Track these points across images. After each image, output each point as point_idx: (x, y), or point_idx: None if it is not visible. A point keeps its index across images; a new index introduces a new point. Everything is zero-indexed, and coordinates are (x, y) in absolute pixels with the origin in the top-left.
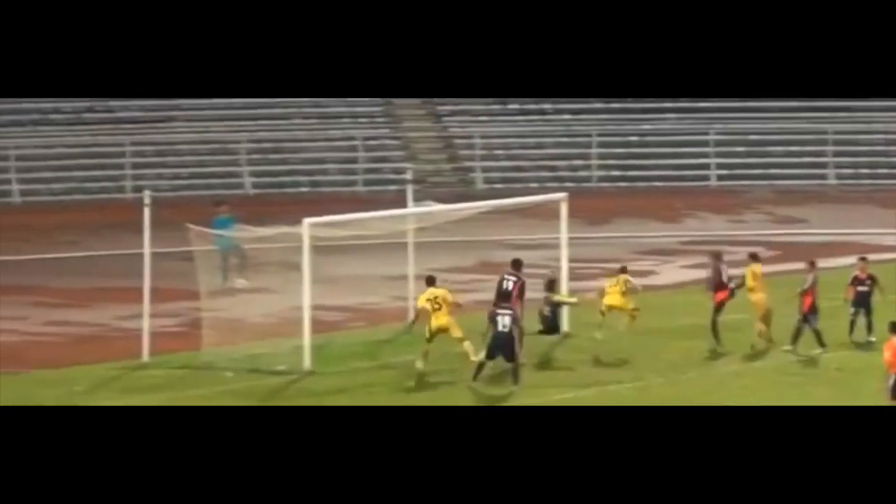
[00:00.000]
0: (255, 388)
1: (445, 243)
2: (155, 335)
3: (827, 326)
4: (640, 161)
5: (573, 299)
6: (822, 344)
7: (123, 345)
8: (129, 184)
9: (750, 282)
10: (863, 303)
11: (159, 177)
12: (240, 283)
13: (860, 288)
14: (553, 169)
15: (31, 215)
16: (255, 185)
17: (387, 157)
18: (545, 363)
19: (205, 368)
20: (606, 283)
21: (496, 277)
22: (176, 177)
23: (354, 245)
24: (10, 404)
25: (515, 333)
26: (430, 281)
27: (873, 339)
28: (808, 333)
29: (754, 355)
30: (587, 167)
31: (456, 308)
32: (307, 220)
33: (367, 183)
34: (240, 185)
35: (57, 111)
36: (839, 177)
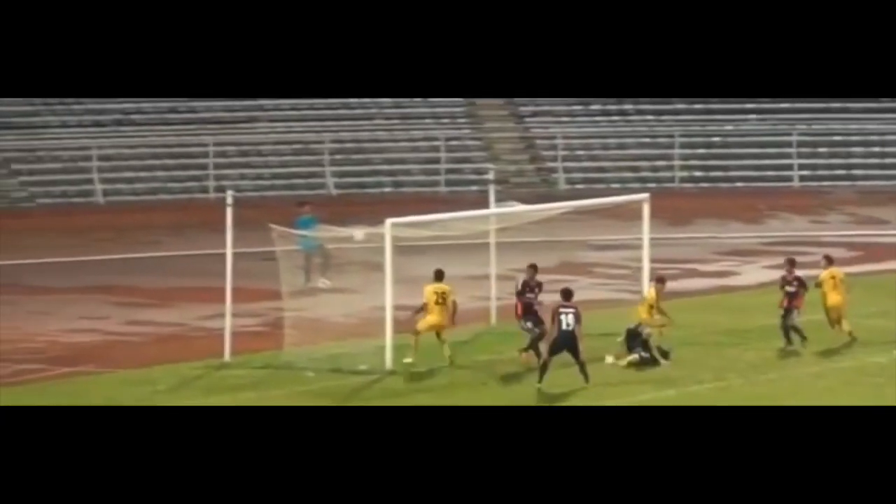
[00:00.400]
0: (336, 388)
1: (527, 244)
2: (237, 335)
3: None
4: (723, 161)
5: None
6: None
7: (205, 344)
8: (211, 184)
9: (828, 285)
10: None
11: (242, 177)
12: (322, 283)
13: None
14: (635, 169)
15: (113, 215)
16: (337, 186)
17: (469, 158)
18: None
19: (286, 368)
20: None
21: (577, 279)
22: (258, 177)
23: (436, 245)
24: (93, 404)
25: (578, 332)
26: (439, 275)
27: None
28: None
29: (834, 355)
30: (669, 168)
31: (454, 307)
32: (389, 221)
33: (449, 183)
34: (322, 186)
35: (139, 111)
36: None
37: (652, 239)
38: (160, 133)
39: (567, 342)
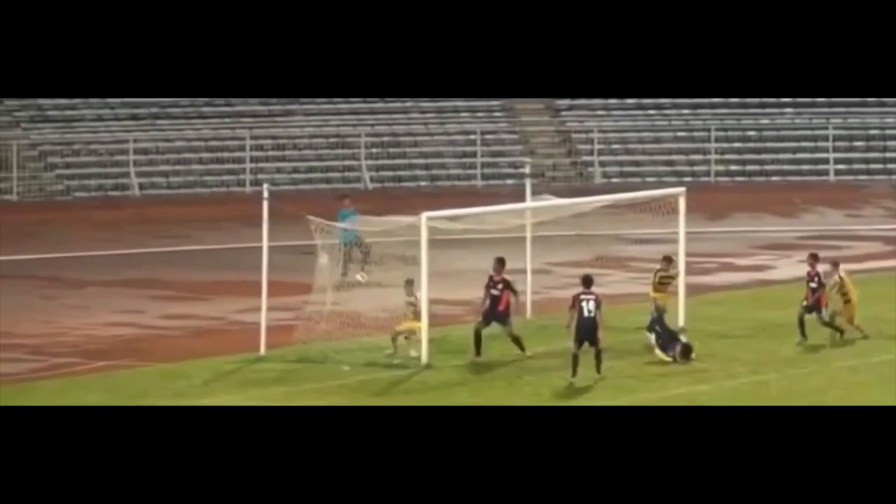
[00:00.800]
0: (371, 382)
1: (563, 237)
2: (273, 328)
3: None
4: (758, 155)
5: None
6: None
7: (241, 338)
8: (248, 177)
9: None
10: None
11: (278, 170)
12: (360, 276)
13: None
14: (671, 163)
15: (149, 208)
16: (373, 179)
17: (505, 152)
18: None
19: (321, 362)
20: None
21: (612, 273)
22: (295, 171)
23: (472, 239)
24: (128, 397)
25: (599, 319)
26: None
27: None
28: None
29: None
30: (705, 162)
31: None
32: (425, 214)
33: (485, 177)
34: (358, 179)
35: (175, 105)
36: None
37: (688, 233)
38: (196, 126)
39: (588, 329)
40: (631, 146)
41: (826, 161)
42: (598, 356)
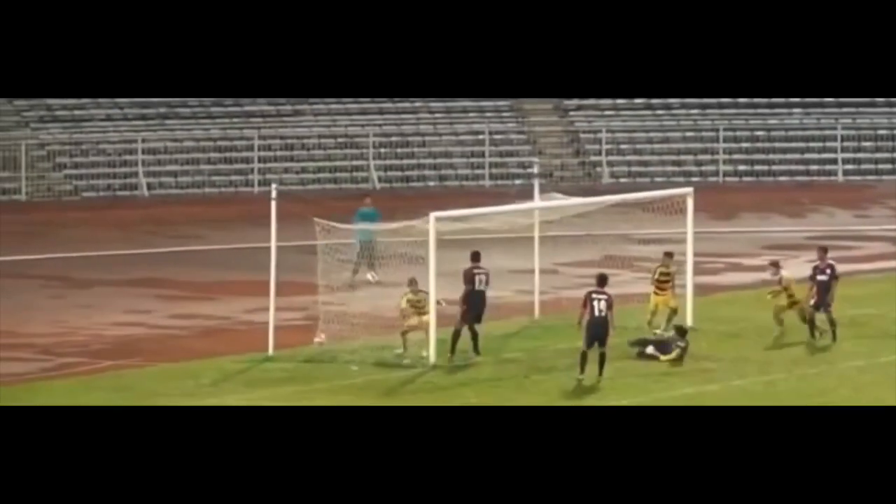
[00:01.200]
0: (379, 382)
1: (571, 237)
2: (281, 328)
3: None
4: (767, 156)
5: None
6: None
7: (249, 338)
8: (256, 177)
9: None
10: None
11: (286, 171)
12: (370, 276)
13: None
14: (679, 163)
15: (158, 208)
16: (381, 180)
17: (513, 152)
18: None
19: (329, 362)
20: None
21: (620, 273)
22: (303, 170)
23: (480, 239)
24: (137, 397)
25: (610, 319)
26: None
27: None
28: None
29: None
30: (713, 162)
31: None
32: (433, 214)
33: (494, 177)
34: (366, 180)
35: (184, 105)
36: None
37: (696, 233)
38: (205, 126)
39: (598, 329)
40: (639, 146)
41: (834, 161)
42: (601, 359)
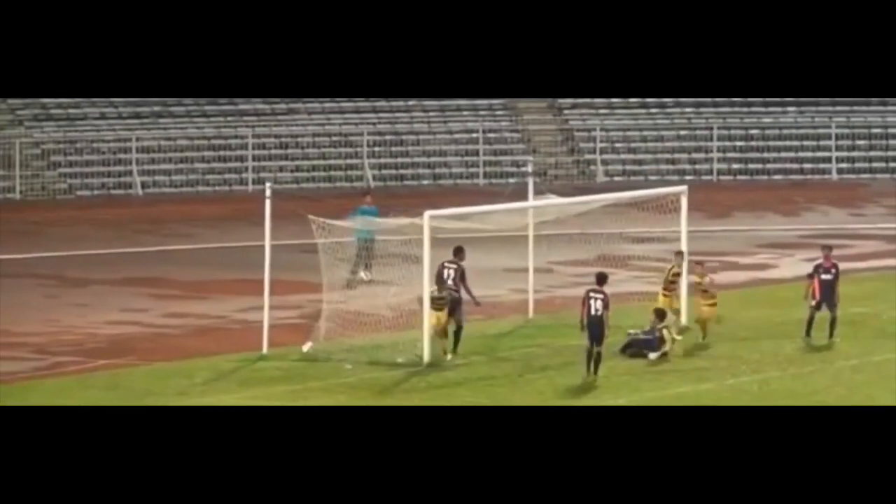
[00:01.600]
0: (373, 381)
1: (565, 236)
2: (275, 327)
3: None
4: (761, 154)
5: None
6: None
7: (243, 337)
8: (250, 176)
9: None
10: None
11: (280, 169)
12: (363, 275)
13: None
14: (673, 162)
15: (152, 207)
16: (376, 178)
17: (507, 150)
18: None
19: (324, 361)
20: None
21: (615, 272)
22: (297, 169)
23: (474, 238)
24: (131, 396)
25: (605, 318)
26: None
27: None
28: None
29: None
30: (708, 160)
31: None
32: (428, 213)
33: (488, 176)
34: (361, 178)
35: (178, 103)
36: None
37: (690, 231)
38: (199, 125)
39: (592, 327)
40: (633, 145)
41: (829, 160)
42: (597, 357)
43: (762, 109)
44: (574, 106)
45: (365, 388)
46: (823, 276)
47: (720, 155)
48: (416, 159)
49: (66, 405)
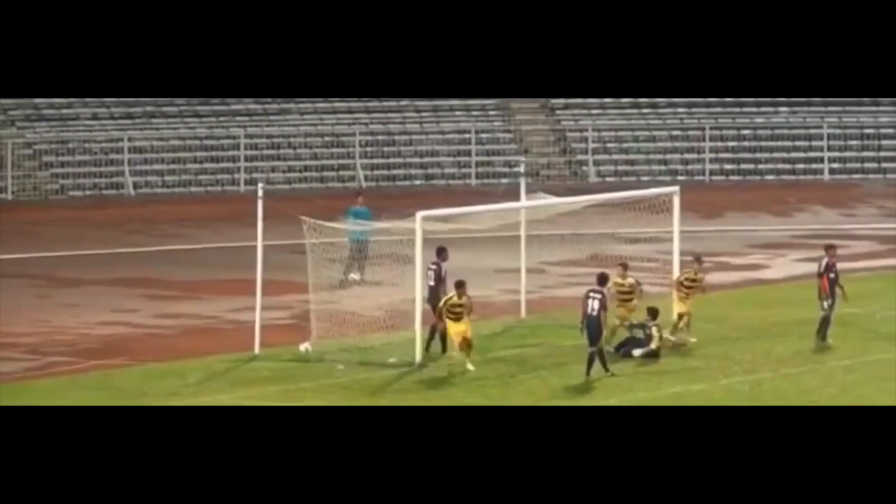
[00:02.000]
0: (365, 381)
1: (557, 236)
2: (267, 328)
3: None
4: (753, 154)
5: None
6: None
7: (235, 337)
8: (242, 176)
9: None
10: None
11: (273, 169)
12: (353, 276)
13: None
14: (665, 162)
15: (144, 207)
16: (368, 178)
17: (500, 151)
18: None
19: (316, 361)
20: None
21: (607, 272)
22: (289, 169)
23: (467, 238)
24: (123, 396)
25: (603, 318)
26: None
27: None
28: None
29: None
30: (700, 161)
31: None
32: (420, 213)
33: (480, 176)
34: (353, 178)
35: (171, 103)
36: None
37: (682, 232)
38: (191, 125)
39: (590, 328)
40: (625, 145)
41: (821, 160)
42: (590, 357)
43: (754, 110)
44: (566, 106)
45: (357, 389)
46: (831, 275)
47: (712, 155)
48: (409, 160)
49: (58, 405)
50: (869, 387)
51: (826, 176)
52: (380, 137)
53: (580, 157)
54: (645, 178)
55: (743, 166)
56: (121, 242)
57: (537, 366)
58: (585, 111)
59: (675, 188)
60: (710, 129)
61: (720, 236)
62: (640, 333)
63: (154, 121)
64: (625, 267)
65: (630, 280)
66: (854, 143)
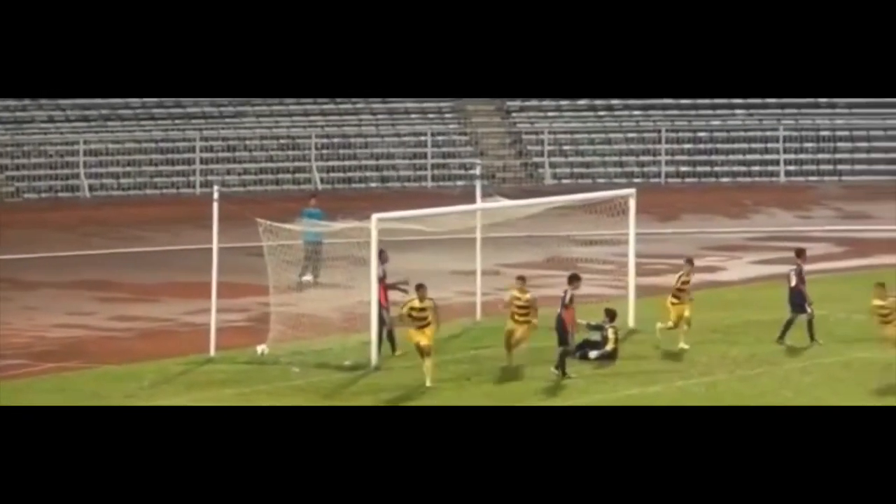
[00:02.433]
0: (321, 384)
1: (513, 239)
2: (222, 330)
3: None
4: (709, 157)
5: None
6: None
7: (191, 340)
8: (198, 179)
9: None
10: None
11: (228, 172)
12: (308, 277)
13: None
14: (621, 164)
15: (99, 210)
16: (323, 181)
17: (455, 153)
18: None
19: (271, 364)
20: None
21: (563, 274)
22: (245, 172)
23: (422, 240)
24: (79, 399)
25: (565, 317)
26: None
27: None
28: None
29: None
30: (655, 163)
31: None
32: (375, 216)
33: (436, 178)
34: (308, 181)
35: (126, 106)
36: None
37: (638, 234)
38: (146, 128)
39: (557, 328)
40: (581, 147)
41: (776, 162)
42: (561, 358)
43: (710, 112)
44: (522, 108)
45: (313, 391)
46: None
47: (668, 157)
48: (364, 162)
49: (12, 405)
50: (824, 388)
51: (782, 178)
52: (335, 140)
53: (536, 159)
54: (601, 181)
55: (699, 168)
56: (77, 245)
57: (492, 368)
58: (541, 113)
59: (632, 190)
60: (666, 131)
61: (676, 238)
62: (596, 335)
63: (109, 123)
64: (522, 280)
65: (528, 296)
66: (810, 145)
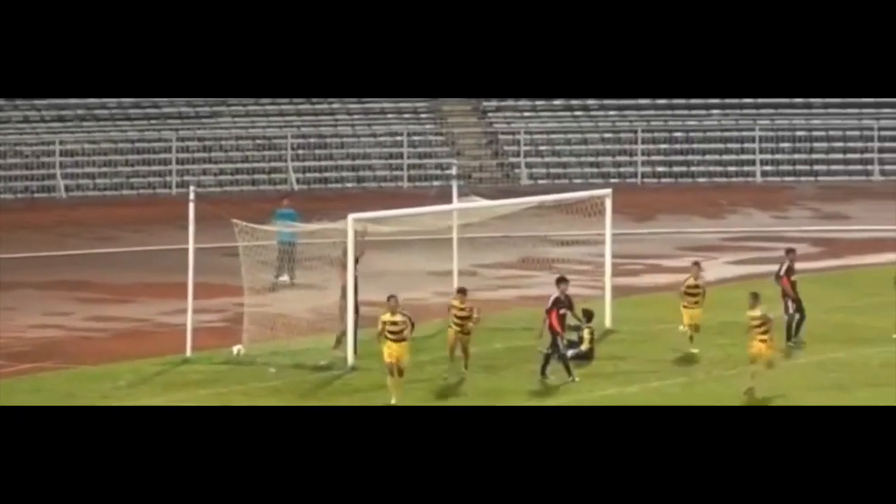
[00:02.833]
0: (297, 384)
1: (489, 239)
2: (198, 330)
3: (869, 322)
4: (685, 157)
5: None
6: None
7: (167, 340)
8: (174, 179)
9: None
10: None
11: (204, 172)
12: (285, 278)
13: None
14: (597, 165)
15: (75, 210)
16: (299, 181)
17: (431, 153)
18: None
19: (248, 364)
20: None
21: (539, 275)
22: (221, 172)
23: (398, 241)
24: (55, 399)
25: (544, 321)
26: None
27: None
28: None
29: (796, 351)
30: (632, 163)
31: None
32: (351, 216)
33: (412, 179)
34: (284, 181)
35: (102, 106)
36: (883, 173)
37: (614, 234)
38: (122, 128)
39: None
40: (558, 147)
41: (753, 162)
42: (545, 362)
43: (686, 112)
44: (498, 109)
45: (289, 391)
46: (792, 278)
47: (644, 158)
48: (341, 162)
49: None
50: (799, 388)
51: (758, 178)
52: (311, 140)
53: (512, 159)
54: (577, 181)
55: (675, 168)
56: (53, 245)
57: (469, 368)
58: (517, 114)
59: (608, 191)
60: (642, 131)
61: (652, 238)
62: (572, 335)
63: (85, 124)
64: (463, 292)
65: (469, 304)
66: (786, 145)
